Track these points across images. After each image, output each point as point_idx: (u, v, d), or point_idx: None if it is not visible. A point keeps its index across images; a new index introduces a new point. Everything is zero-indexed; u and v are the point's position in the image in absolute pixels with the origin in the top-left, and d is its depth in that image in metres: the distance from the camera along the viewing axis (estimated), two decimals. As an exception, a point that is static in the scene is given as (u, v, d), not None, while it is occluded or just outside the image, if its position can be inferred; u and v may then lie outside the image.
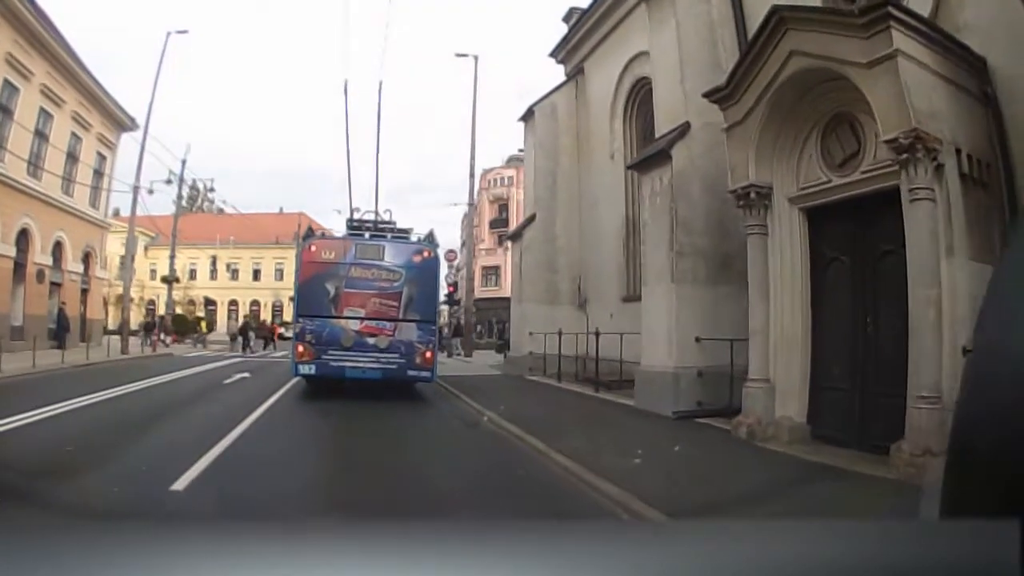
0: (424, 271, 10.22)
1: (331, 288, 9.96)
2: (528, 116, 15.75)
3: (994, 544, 0.56)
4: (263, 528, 0.60)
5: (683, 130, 8.93)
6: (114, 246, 49.65)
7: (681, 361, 8.64)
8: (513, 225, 46.36)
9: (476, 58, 21.53)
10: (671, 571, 0.55)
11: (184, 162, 26.34)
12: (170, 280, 27.32)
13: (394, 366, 9.90)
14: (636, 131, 13.65)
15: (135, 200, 19.90)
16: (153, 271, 44.07)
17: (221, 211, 52.17)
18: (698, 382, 8.52)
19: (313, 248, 10.19)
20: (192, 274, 46.71)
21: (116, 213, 42.65)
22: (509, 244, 18.15)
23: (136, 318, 43.28)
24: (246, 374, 13.79)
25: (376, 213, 11.85)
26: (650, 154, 9.48)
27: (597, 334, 10.94)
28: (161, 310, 29.22)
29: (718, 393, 7.99)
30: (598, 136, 14.48)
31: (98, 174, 23.36)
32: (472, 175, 22.51)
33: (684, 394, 8.51)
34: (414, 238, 10.79)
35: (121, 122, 24.13)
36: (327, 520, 0.61)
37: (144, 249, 50.33)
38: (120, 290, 46.59)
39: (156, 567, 0.51)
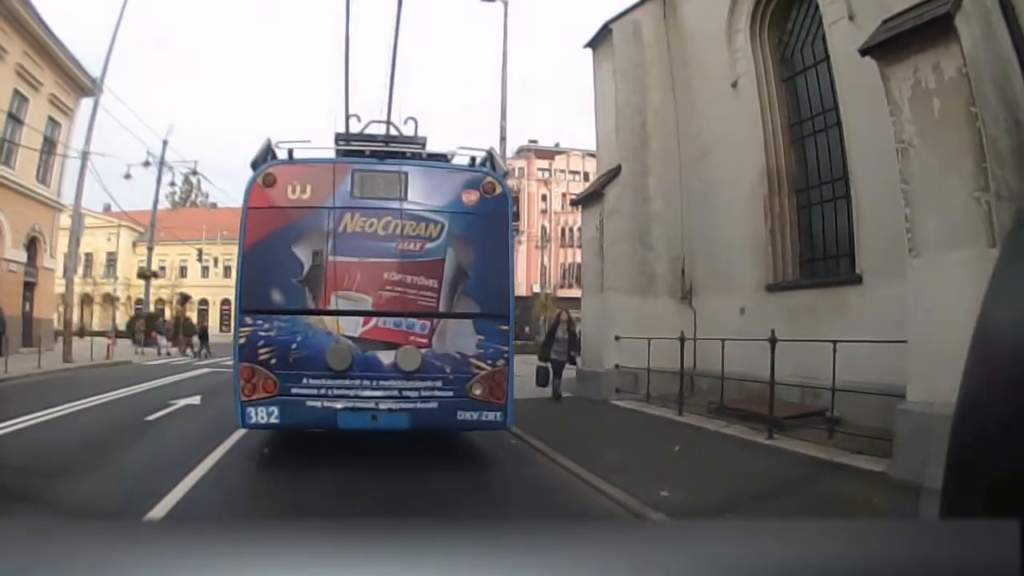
0: (486, 221, 5.89)
1: (305, 256, 5.66)
2: (601, 38, 11.38)
3: (994, 544, 0.55)
4: (263, 528, 0.59)
5: (956, -5, 5.58)
6: (100, 241, 45.29)
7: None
8: (524, 220, 41.88)
9: (506, 2, 16.66)
10: (671, 571, 0.54)
11: (165, 143, 24.26)
12: (148, 275, 23.16)
13: (432, 404, 5.65)
14: (770, 48, 10.22)
15: (83, 168, 17.06)
16: (142, 268, 39.25)
17: (214, 206, 48.54)
18: None
19: (272, 182, 5.65)
20: (183, 271, 42.58)
21: (107, 208, 39.00)
22: (580, 210, 13.15)
23: (121, 318, 39.42)
24: (194, 399, 9.86)
25: (388, 125, 6.76)
26: (911, 26, 5.81)
27: (773, 341, 6.11)
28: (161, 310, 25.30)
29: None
30: (705, 63, 11.04)
31: (49, 143, 18.43)
32: (503, 138, 17.74)
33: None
34: (460, 161, 6.32)
35: (81, 84, 20.82)
36: (327, 520, 0.59)
37: (132, 245, 46.56)
38: (107, 288, 42.33)
39: (156, 567, 0.51)
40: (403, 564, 0.52)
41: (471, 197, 5.80)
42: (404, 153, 6.07)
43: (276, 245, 5.59)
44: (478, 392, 5.64)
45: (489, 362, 5.70)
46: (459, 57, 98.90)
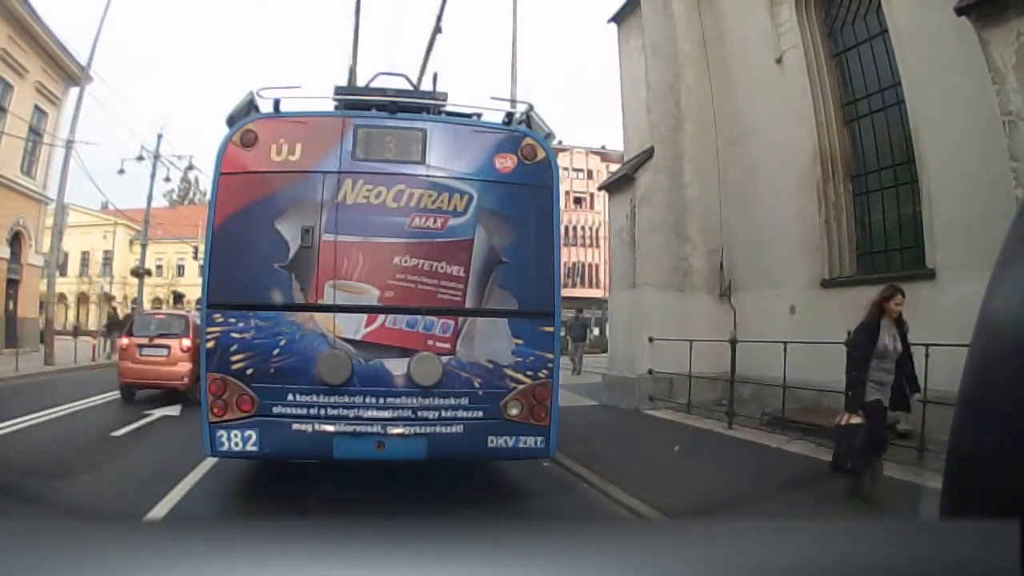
0: (525, 193, 4.80)
1: (292, 236, 4.52)
2: (627, 12, 10.39)
3: (994, 544, 0.54)
4: (263, 528, 0.58)
5: None
6: (96, 240, 44.42)
7: None
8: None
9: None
10: (671, 571, 0.54)
11: (160, 136, 22.94)
12: (141, 273, 22.40)
13: (456, 427, 4.55)
14: (819, 19, 9.42)
15: (67, 157, 16.06)
16: (137, 266, 38.56)
17: (214, 203, 47.83)
18: None
19: (252, 141, 4.52)
20: (180, 269, 41.75)
21: (104, 206, 38.35)
22: (607, 197, 12.17)
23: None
24: (174, 409, 8.72)
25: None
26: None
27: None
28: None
29: None
30: (743, 38, 10.33)
31: (35, 133, 19.36)
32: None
33: None
34: (491, 120, 5.16)
35: (69, 72, 19.93)
36: (327, 520, 0.59)
37: (129, 243, 46.04)
38: (103, 286, 41.53)
39: (156, 567, 0.51)
40: (403, 564, 0.52)
41: (507, 163, 4.69)
42: (420, 107, 4.98)
43: (255, 221, 4.52)
44: (515, 412, 4.60)
45: (529, 373, 4.66)
46: (458, 55, 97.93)
